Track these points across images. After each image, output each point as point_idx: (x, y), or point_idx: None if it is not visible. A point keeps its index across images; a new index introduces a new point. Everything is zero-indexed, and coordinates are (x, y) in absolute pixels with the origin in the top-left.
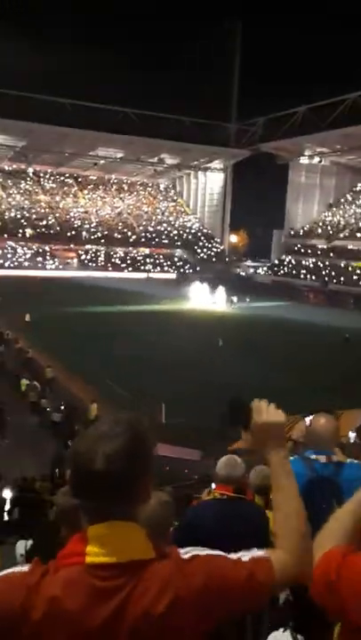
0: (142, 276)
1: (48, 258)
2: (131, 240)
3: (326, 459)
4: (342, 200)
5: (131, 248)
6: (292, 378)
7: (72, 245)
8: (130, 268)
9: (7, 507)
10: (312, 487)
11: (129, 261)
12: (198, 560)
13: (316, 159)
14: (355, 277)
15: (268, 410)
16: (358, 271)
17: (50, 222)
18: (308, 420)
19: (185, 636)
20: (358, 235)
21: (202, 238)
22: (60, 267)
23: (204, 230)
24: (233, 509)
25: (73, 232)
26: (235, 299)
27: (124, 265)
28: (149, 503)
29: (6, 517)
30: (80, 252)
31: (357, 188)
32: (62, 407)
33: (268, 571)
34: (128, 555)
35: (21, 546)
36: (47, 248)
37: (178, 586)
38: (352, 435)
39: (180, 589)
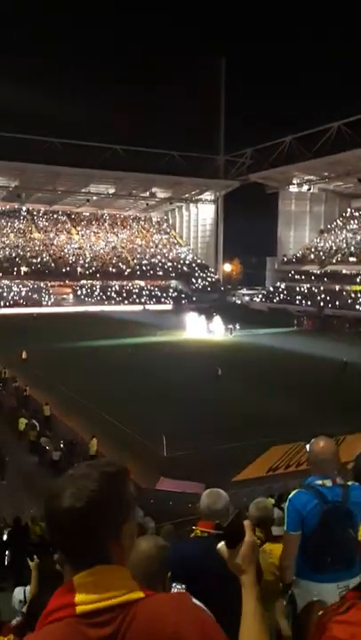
0: (138, 308)
1: (44, 294)
2: (126, 273)
3: (332, 481)
4: (333, 225)
5: (126, 281)
6: (293, 405)
7: (67, 281)
8: (126, 301)
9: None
10: (327, 519)
11: (125, 294)
12: (197, 616)
13: (305, 187)
14: (350, 301)
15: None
16: (353, 295)
17: (44, 259)
18: (307, 446)
19: None
20: (351, 259)
21: (196, 269)
22: (57, 302)
23: (198, 261)
24: (211, 549)
25: (68, 268)
26: (233, 327)
27: (119, 298)
28: (142, 548)
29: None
30: (75, 287)
31: (347, 214)
32: (61, 445)
33: None
34: (117, 598)
35: (20, 592)
36: (42, 285)
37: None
38: None
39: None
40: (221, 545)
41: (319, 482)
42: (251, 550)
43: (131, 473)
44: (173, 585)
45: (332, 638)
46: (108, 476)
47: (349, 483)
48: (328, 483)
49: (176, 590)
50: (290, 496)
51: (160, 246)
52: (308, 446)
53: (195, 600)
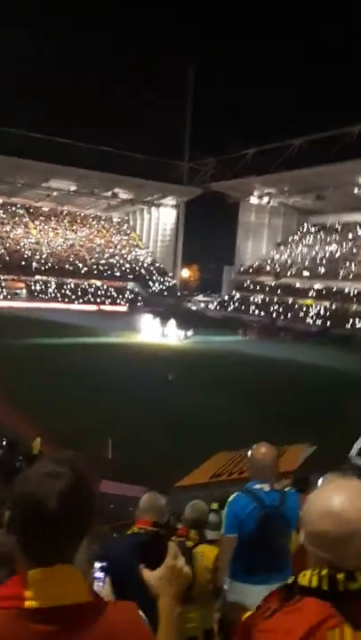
0: (93, 308)
1: None
2: (82, 272)
3: (270, 486)
4: (290, 240)
5: (82, 280)
6: (240, 412)
7: (22, 276)
8: (80, 300)
9: None
10: (264, 523)
11: (80, 293)
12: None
13: (265, 199)
14: (301, 314)
15: (180, 557)
16: (304, 308)
17: None
18: (249, 452)
19: None
20: (305, 273)
21: (154, 272)
22: (9, 297)
23: (157, 264)
24: (147, 544)
25: (23, 262)
26: (188, 332)
27: (74, 296)
28: None
29: None
30: (30, 282)
31: (304, 229)
32: (4, 442)
33: None
34: (68, 599)
35: None
36: None
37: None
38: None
39: None
40: (142, 566)
41: (258, 486)
42: (169, 575)
43: None
44: (98, 576)
45: None
46: (84, 476)
47: (286, 489)
48: (266, 487)
49: (98, 578)
50: (229, 499)
51: (119, 247)
52: (249, 452)
53: (140, 613)
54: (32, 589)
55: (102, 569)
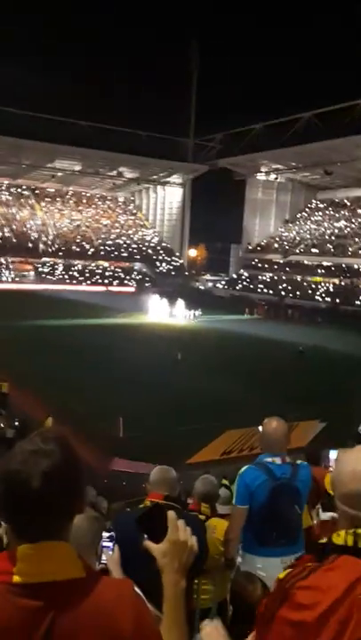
0: (101, 289)
1: (4, 270)
2: (89, 253)
3: (281, 460)
4: (298, 216)
5: (89, 261)
6: (249, 390)
7: (29, 258)
8: (88, 281)
9: None
10: (275, 494)
11: (87, 274)
12: (132, 602)
13: (273, 176)
14: (310, 292)
15: (184, 529)
16: (313, 286)
17: (6, 234)
18: (260, 427)
19: None
20: (313, 250)
21: (161, 252)
22: (17, 279)
23: (163, 244)
24: (148, 515)
25: (30, 244)
26: (196, 312)
27: (82, 278)
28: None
29: None
30: (37, 264)
31: (312, 205)
32: (16, 423)
33: None
34: (58, 575)
35: None
36: (2, 260)
37: (108, 623)
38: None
39: (110, 627)
40: (146, 540)
41: (269, 459)
42: (172, 549)
43: (84, 453)
44: (106, 545)
45: (297, 605)
46: (72, 453)
47: (298, 462)
48: (278, 460)
49: (108, 552)
50: (240, 471)
51: (125, 227)
52: (260, 427)
53: (137, 589)
54: (20, 565)
55: (110, 538)
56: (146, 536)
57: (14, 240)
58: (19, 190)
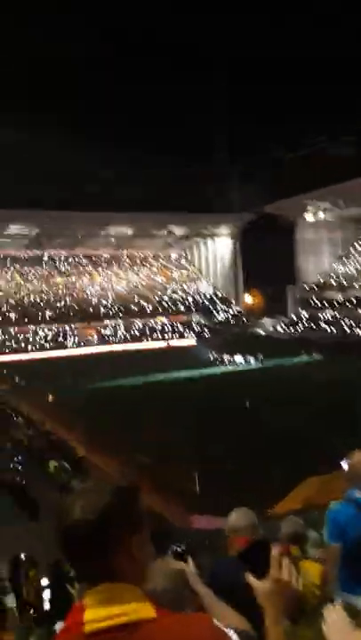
0: (162, 344)
1: (69, 337)
2: (148, 311)
3: None
4: (351, 250)
5: (148, 318)
6: (329, 434)
7: (91, 322)
8: (149, 338)
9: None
10: None
11: (148, 332)
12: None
13: (321, 215)
14: None
15: (288, 568)
16: None
17: (68, 303)
18: (345, 463)
19: None
20: None
21: (217, 302)
22: (82, 344)
23: (219, 294)
24: (251, 551)
25: (91, 309)
26: (258, 358)
27: (143, 335)
28: (161, 565)
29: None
30: (99, 327)
31: None
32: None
33: None
34: (127, 617)
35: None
36: (67, 327)
37: None
38: None
39: None
40: (249, 575)
41: (358, 494)
42: (275, 588)
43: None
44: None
45: None
46: (118, 490)
47: None
48: None
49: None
50: (330, 507)
51: (180, 282)
52: (344, 464)
53: (216, 622)
54: (90, 612)
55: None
56: (248, 572)
57: (76, 307)
58: (76, 259)
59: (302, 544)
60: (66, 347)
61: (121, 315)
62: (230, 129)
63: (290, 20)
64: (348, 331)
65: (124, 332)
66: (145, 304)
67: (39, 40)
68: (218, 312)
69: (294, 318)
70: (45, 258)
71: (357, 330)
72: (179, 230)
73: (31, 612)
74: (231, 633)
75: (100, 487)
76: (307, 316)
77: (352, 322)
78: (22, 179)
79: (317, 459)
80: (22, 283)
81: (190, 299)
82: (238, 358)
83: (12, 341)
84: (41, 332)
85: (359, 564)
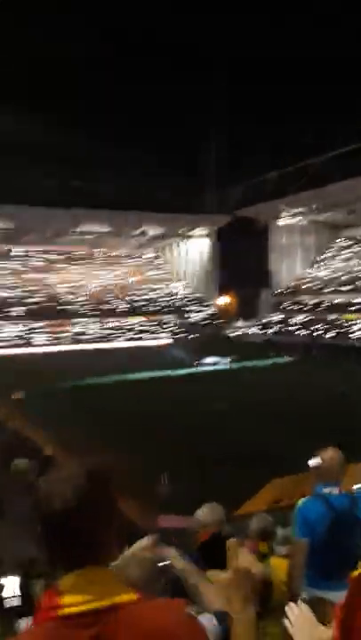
0: (135, 344)
1: (38, 334)
2: (120, 310)
3: (339, 490)
4: (324, 256)
5: (121, 318)
6: (291, 436)
7: (62, 320)
8: (121, 338)
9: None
10: (335, 526)
11: (120, 331)
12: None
13: (296, 219)
14: (343, 331)
15: (246, 556)
16: (346, 324)
17: (38, 299)
18: (310, 461)
19: None
20: (343, 288)
21: (191, 303)
22: (52, 342)
23: (193, 295)
24: (207, 544)
25: (63, 307)
26: (229, 359)
27: (115, 335)
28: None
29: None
30: (71, 325)
31: (338, 243)
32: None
33: None
34: (105, 600)
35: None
36: (36, 325)
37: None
38: None
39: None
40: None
41: (327, 490)
42: (235, 578)
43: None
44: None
45: None
46: (97, 476)
47: (355, 488)
48: (335, 491)
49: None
50: (298, 504)
51: (154, 281)
52: (311, 462)
53: (189, 611)
54: (66, 596)
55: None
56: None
57: (47, 304)
58: (47, 256)
59: (270, 541)
60: (35, 344)
61: (93, 313)
62: (230, 129)
63: (290, 20)
64: (317, 334)
65: (96, 331)
66: (118, 303)
67: (39, 40)
68: (192, 313)
69: (265, 321)
70: (16, 253)
71: (328, 333)
72: (154, 230)
73: None
74: (209, 617)
75: (78, 472)
76: (278, 319)
77: (324, 325)
78: (18, 176)
79: (282, 460)
80: None
81: (164, 299)
82: (210, 359)
83: None
84: (8, 328)
85: (325, 561)
